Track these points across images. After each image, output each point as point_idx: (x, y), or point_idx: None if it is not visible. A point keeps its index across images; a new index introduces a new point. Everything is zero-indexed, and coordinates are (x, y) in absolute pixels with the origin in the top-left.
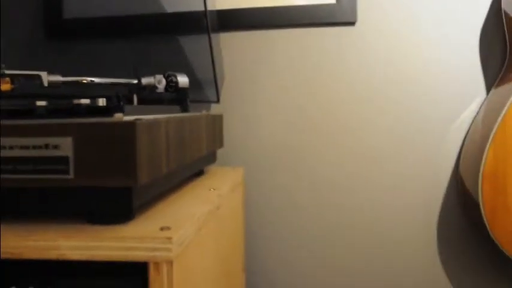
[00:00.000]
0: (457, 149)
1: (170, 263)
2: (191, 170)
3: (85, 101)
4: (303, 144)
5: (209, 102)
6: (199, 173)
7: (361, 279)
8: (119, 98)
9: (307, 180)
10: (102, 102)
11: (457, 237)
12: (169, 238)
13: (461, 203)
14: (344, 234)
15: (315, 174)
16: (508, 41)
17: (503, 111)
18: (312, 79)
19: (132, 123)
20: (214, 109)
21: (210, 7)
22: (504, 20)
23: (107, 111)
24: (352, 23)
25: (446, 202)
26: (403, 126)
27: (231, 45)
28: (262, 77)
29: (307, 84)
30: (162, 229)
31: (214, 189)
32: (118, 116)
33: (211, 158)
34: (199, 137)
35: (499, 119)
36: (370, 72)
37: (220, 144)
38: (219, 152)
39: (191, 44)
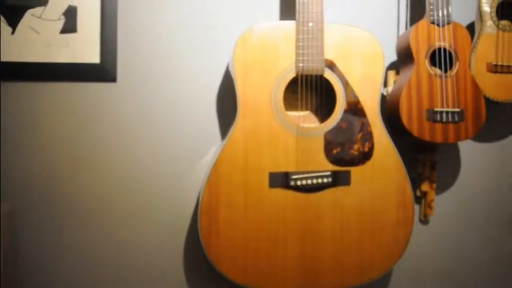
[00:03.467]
0: (200, 184)
1: None
2: None
3: None
4: (68, 179)
5: None
6: None
7: None
8: None
9: (71, 212)
10: None
11: (196, 254)
12: None
13: None
14: (106, 249)
15: (77, 204)
16: (237, 98)
17: (217, 157)
18: (78, 126)
19: None
20: None
21: None
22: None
23: None
24: (113, 80)
25: (191, 231)
26: (158, 165)
27: (6, 94)
28: (35, 124)
29: (73, 130)
30: None
31: None
32: None
33: None
34: None
35: (213, 163)
36: (129, 120)
37: None
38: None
39: None
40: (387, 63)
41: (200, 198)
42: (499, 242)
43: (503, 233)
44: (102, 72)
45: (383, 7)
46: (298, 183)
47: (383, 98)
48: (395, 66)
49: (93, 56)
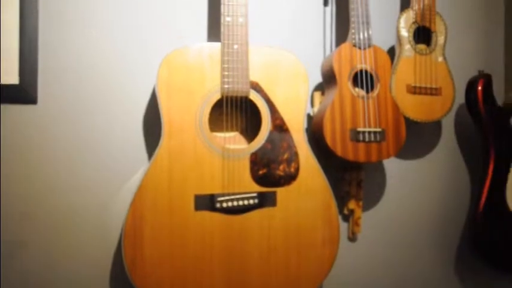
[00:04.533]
0: (126, 209)
1: None
2: None
3: None
4: None
5: None
6: None
7: None
8: None
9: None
10: None
11: (122, 281)
12: None
13: None
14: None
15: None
16: (162, 119)
17: (141, 180)
18: None
19: None
20: None
21: None
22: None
23: None
24: (34, 102)
25: (117, 258)
26: (83, 190)
27: None
28: None
29: None
30: None
31: None
32: None
33: None
34: None
35: (138, 186)
36: (51, 144)
37: None
38: None
39: None
40: (315, 84)
41: (124, 222)
42: (425, 256)
43: (427, 247)
44: (22, 93)
45: (310, 29)
46: (224, 205)
47: (310, 118)
48: (321, 87)
49: (11, 77)
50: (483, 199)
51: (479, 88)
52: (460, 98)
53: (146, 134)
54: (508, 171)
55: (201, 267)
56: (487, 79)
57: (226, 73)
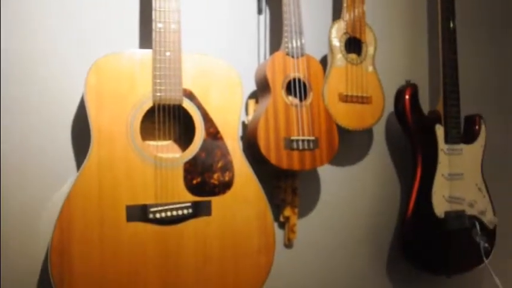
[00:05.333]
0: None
1: None
2: None
3: None
4: None
5: None
6: None
7: None
8: None
9: None
10: None
11: None
12: None
13: None
14: None
15: None
16: (91, 126)
17: (69, 190)
18: None
19: None
20: None
21: None
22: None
23: None
24: None
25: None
26: (6, 206)
27: None
28: None
29: None
30: None
31: None
32: None
33: None
34: None
35: (66, 197)
36: None
37: None
38: None
39: None
40: (250, 92)
41: (51, 235)
42: (359, 260)
43: (362, 251)
44: None
45: (244, 38)
46: (157, 215)
47: (245, 126)
48: (256, 95)
49: None
50: (411, 204)
51: (407, 97)
52: (391, 107)
53: (75, 142)
54: (434, 177)
55: (135, 281)
56: (413, 88)
57: (158, 81)
